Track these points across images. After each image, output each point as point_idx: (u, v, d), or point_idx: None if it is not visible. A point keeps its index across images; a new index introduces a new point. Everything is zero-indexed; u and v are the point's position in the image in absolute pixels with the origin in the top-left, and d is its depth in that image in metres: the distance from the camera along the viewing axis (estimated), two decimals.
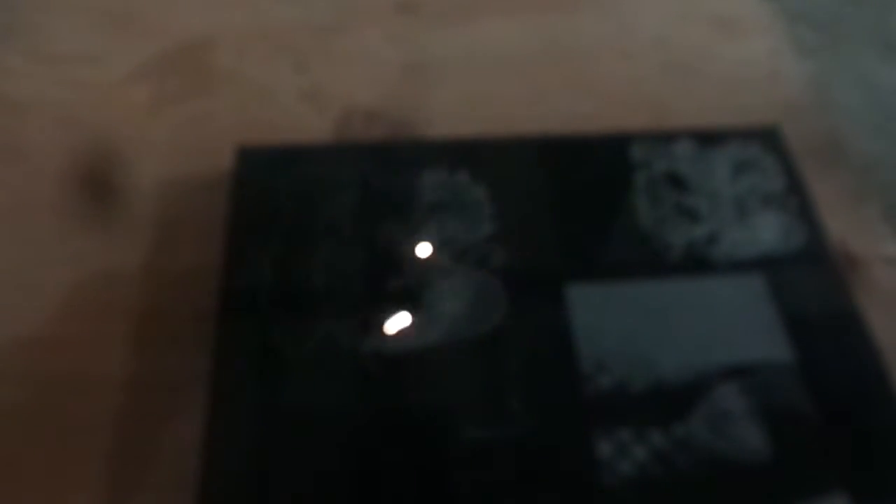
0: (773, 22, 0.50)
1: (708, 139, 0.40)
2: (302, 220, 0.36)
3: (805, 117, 0.45)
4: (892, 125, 0.46)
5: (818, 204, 0.38)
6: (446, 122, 0.43)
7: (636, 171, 0.39)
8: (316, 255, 0.35)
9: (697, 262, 0.36)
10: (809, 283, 0.36)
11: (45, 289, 0.36)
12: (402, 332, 0.33)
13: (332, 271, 0.35)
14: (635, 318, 0.34)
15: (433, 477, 0.30)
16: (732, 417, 0.32)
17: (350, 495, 0.30)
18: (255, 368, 0.32)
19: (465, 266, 0.35)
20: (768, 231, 0.37)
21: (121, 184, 0.40)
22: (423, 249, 0.36)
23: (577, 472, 0.31)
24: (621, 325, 0.34)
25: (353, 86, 0.45)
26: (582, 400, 0.32)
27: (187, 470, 0.30)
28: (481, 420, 0.32)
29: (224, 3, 0.48)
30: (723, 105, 0.45)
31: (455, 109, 0.44)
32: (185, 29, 0.47)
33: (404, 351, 0.33)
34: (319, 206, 0.37)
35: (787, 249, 0.37)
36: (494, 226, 0.37)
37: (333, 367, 0.32)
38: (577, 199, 0.38)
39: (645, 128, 0.41)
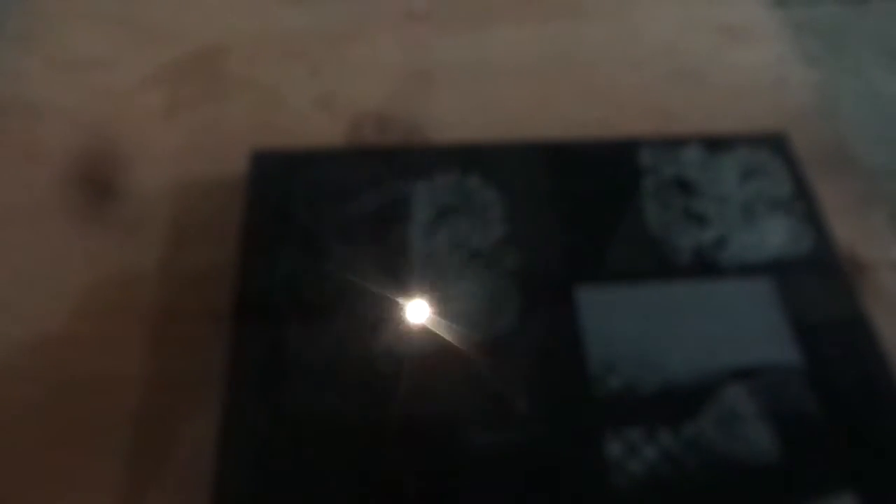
0: (779, 30, 0.51)
1: (716, 145, 0.41)
2: (315, 222, 0.37)
3: (811, 124, 0.46)
4: None
5: (825, 209, 0.39)
6: (457, 127, 0.44)
7: (644, 176, 0.39)
8: (329, 257, 0.36)
9: (705, 266, 0.37)
10: (817, 288, 0.36)
11: (62, 290, 0.36)
12: (412, 334, 0.34)
13: (345, 273, 0.35)
14: (644, 321, 0.35)
15: (442, 479, 0.31)
16: (741, 419, 0.32)
17: (361, 496, 0.30)
18: (269, 368, 0.32)
19: (476, 268, 0.36)
20: (776, 235, 0.38)
21: (136, 187, 0.40)
22: (435, 252, 0.36)
23: (587, 473, 0.31)
24: (630, 328, 0.34)
25: (365, 91, 0.45)
26: (591, 401, 0.32)
27: (203, 469, 0.30)
28: (491, 422, 0.32)
29: (237, 11, 0.49)
30: (729, 112, 0.46)
31: (465, 115, 0.44)
32: (199, 36, 0.47)
33: (415, 352, 0.33)
34: (332, 210, 0.37)
35: (795, 254, 0.37)
36: (505, 229, 0.37)
37: (346, 368, 0.33)
38: (586, 203, 0.38)
39: (652, 134, 0.42)
